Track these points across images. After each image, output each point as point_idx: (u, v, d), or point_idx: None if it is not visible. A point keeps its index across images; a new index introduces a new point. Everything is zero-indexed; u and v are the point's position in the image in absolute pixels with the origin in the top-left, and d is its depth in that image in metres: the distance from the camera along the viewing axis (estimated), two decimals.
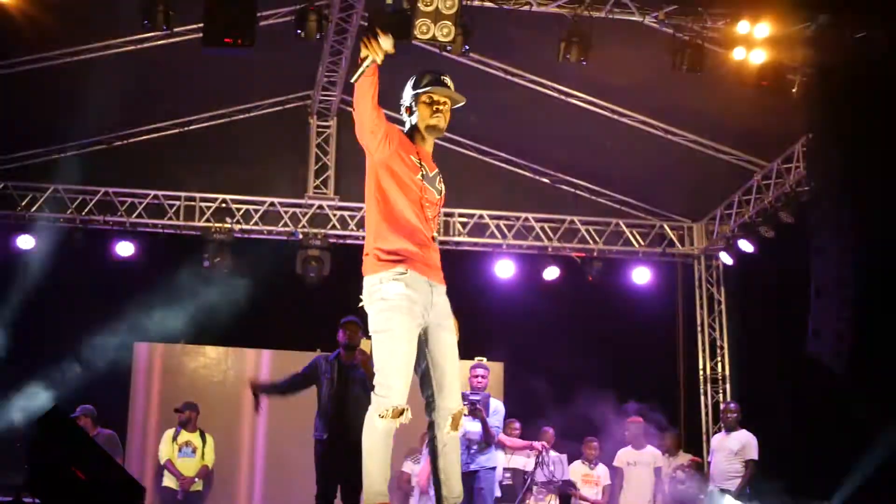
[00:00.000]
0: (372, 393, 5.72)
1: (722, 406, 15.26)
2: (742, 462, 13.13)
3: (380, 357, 5.70)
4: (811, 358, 10.53)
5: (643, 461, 14.36)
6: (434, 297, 5.80)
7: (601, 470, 14.24)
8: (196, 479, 14.17)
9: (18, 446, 14.02)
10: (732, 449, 13.22)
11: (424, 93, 5.92)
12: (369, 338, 9.97)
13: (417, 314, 5.70)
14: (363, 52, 5.55)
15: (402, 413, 5.62)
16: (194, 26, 12.76)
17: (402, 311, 5.66)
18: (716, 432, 15.27)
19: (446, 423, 5.80)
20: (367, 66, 5.54)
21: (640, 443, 14.43)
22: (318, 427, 10.46)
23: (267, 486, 16.45)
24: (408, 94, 5.99)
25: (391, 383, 5.64)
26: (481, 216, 16.54)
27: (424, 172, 5.88)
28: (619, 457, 14.38)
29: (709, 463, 13.91)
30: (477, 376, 11.40)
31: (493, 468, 11.49)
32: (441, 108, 5.92)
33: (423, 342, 5.79)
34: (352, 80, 5.64)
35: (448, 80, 5.98)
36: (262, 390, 10.41)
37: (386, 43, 5.51)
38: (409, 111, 6.00)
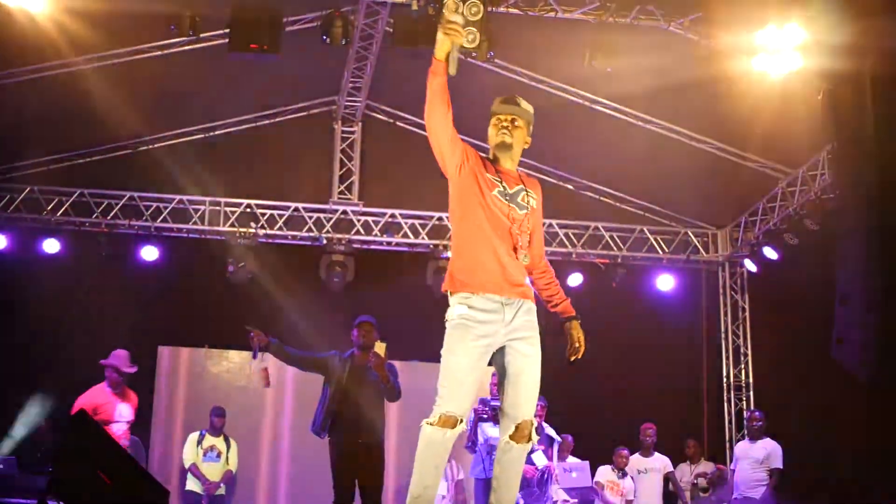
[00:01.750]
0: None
1: (746, 414, 15.24)
2: (767, 470, 13.11)
3: (441, 371, 5.85)
4: (836, 365, 10.47)
5: (653, 468, 14.36)
6: (509, 314, 5.90)
7: (628, 483, 14.20)
8: (220, 484, 14.21)
9: (41, 452, 14.13)
10: (757, 457, 13.19)
11: (492, 114, 6.17)
12: (384, 340, 10.04)
13: (482, 335, 5.83)
14: (442, 42, 5.82)
15: (451, 423, 5.73)
16: (220, 32, 12.82)
17: (461, 329, 5.83)
18: (739, 440, 15.22)
19: (509, 430, 5.89)
20: (453, 52, 5.82)
21: (648, 450, 14.44)
22: (317, 422, 10.32)
23: (289, 492, 16.47)
24: (490, 119, 6.22)
25: (442, 392, 5.80)
26: None
27: (504, 188, 6.00)
28: (628, 465, 14.37)
29: (732, 471, 13.87)
30: (496, 384, 11.43)
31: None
32: (507, 125, 6.12)
33: (500, 358, 5.93)
34: (451, 73, 5.85)
35: (517, 98, 6.21)
36: (264, 343, 10.20)
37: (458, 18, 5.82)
38: (489, 138, 6.21)
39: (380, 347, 10.08)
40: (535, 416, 11.74)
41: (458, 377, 5.79)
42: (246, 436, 15.66)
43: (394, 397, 10.27)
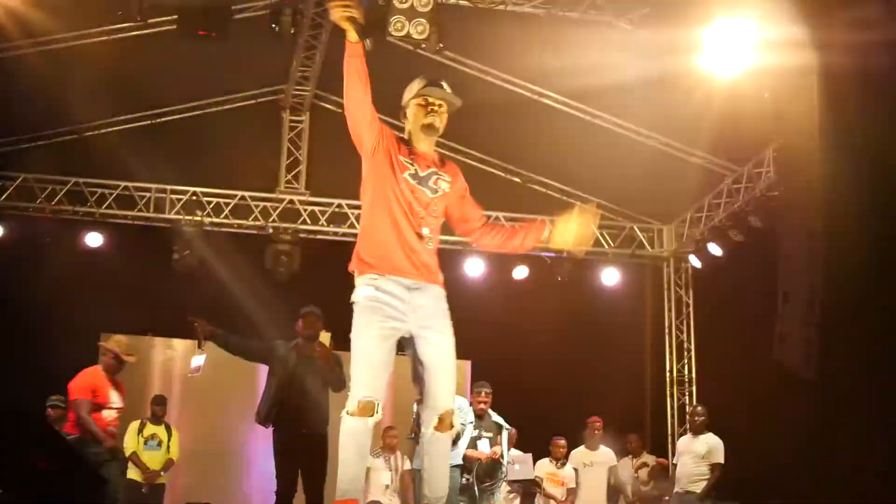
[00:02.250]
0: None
1: (689, 409, 15.35)
2: (708, 465, 13.17)
3: (352, 356, 5.76)
4: (778, 362, 10.56)
5: (598, 461, 14.41)
6: (417, 298, 5.83)
7: (568, 471, 14.23)
8: (161, 472, 14.12)
9: None
10: (699, 452, 13.25)
11: (419, 94, 6.01)
12: (329, 330, 10.00)
13: (390, 316, 5.75)
14: (342, 22, 5.79)
15: (369, 408, 5.65)
16: (168, 18, 12.73)
17: (368, 312, 5.75)
18: (681, 435, 15.31)
19: (432, 422, 5.83)
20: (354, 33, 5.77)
21: (595, 443, 14.48)
22: (261, 412, 10.28)
23: (237, 479, 16.43)
24: (405, 99, 6.10)
25: (355, 379, 5.71)
26: None
27: (415, 171, 5.93)
28: (573, 457, 14.41)
29: (674, 465, 13.95)
30: None
31: (458, 465, 11.50)
32: (436, 108, 6.01)
33: (413, 345, 5.85)
34: (368, 48, 5.85)
35: (444, 84, 6.07)
36: (209, 333, 10.14)
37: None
38: (405, 116, 6.09)
39: (325, 338, 10.07)
40: (481, 403, 11.82)
41: (369, 360, 5.71)
42: (189, 424, 15.59)
43: (339, 387, 10.24)
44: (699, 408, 14.03)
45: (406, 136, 6.09)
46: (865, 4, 9.49)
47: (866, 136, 9.63)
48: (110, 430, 10.87)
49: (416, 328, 5.82)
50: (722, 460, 13.19)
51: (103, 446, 10.53)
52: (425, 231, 5.92)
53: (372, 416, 5.67)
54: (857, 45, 9.55)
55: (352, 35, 5.76)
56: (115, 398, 11.03)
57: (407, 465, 13.97)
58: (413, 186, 5.90)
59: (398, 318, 5.77)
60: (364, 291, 5.80)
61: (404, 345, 5.86)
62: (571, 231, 6.24)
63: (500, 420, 12.09)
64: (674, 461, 14.12)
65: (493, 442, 11.85)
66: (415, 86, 6.07)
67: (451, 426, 5.88)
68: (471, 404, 12.04)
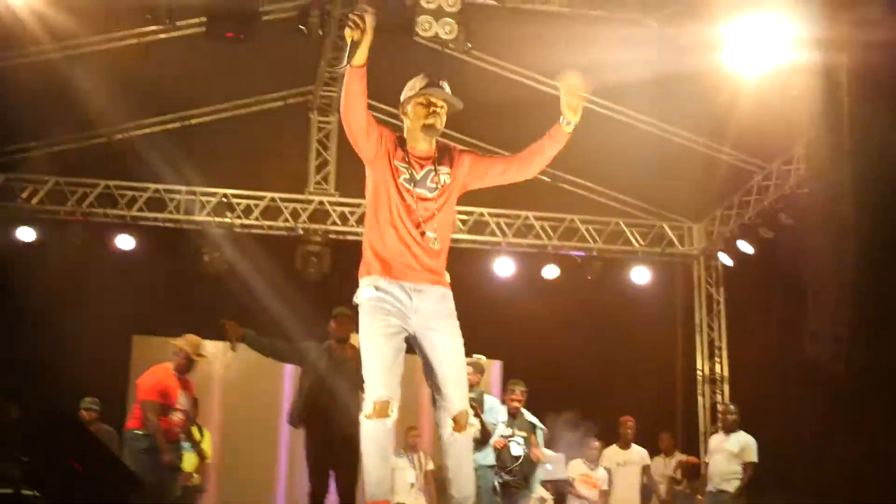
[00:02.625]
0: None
1: (720, 407, 15.29)
2: (741, 463, 13.13)
3: (363, 359, 5.81)
4: (809, 359, 10.54)
5: (631, 460, 14.39)
6: (417, 300, 5.83)
7: (601, 473, 14.22)
8: (194, 474, 14.15)
9: (11, 440, 14.07)
10: (732, 450, 13.21)
11: (421, 94, 5.96)
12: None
13: (393, 316, 5.77)
14: (349, 35, 5.61)
15: (385, 408, 5.68)
16: (197, 20, 12.78)
17: (371, 312, 5.79)
18: (713, 433, 15.27)
19: (447, 424, 5.82)
20: (358, 47, 5.61)
21: (627, 443, 14.46)
22: (293, 414, 10.33)
23: (263, 481, 16.47)
24: (405, 96, 6.03)
25: (368, 381, 5.75)
26: (481, 214, 16.57)
27: (411, 175, 5.91)
28: (605, 456, 14.40)
29: (706, 464, 13.91)
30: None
31: (491, 466, 11.50)
32: (437, 109, 5.96)
33: (420, 347, 5.86)
34: (343, 65, 5.70)
35: (445, 84, 6.01)
36: (240, 335, 10.17)
37: (371, 19, 5.61)
38: (406, 113, 6.03)
39: (356, 339, 10.07)
40: (515, 401, 11.78)
41: (379, 360, 5.73)
42: (220, 425, 15.64)
43: None
44: (731, 406, 14.00)
45: (404, 135, 6.05)
46: (891, 3, 9.47)
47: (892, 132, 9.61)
48: (174, 432, 10.94)
49: (419, 330, 5.83)
50: (755, 458, 13.14)
51: (163, 459, 10.63)
52: (428, 233, 5.89)
53: (389, 416, 5.69)
54: (883, 43, 9.53)
55: (358, 58, 5.65)
56: (182, 400, 11.10)
57: (430, 465, 14.00)
58: (409, 190, 5.89)
59: (401, 319, 5.78)
60: (365, 293, 5.84)
61: (412, 347, 5.88)
62: (573, 103, 6.28)
63: (534, 419, 12.07)
64: (705, 460, 14.08)
65: (527, 441, 11.83)
66: (416, 84, 6.01)
67: (469, 426, 5.86)
68: (504, 402, 12.04)
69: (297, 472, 15.44)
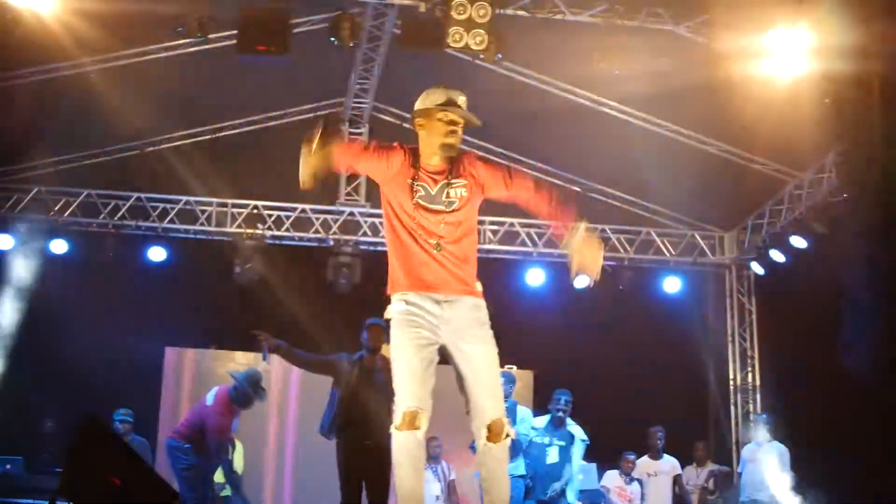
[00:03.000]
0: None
1: (753, 417, 15.21)
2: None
3: (393, 373, 5.85)
4: (844, 369, 10.49)
5: (662, 470, 14.34)
6: (448, 311, 5.84)
7: (635, 487, 14.18)
8: (225, 486, 14.16)
9: (47, 452, 14.15)
10: (765, 460, 13.18)
11: (441, 110, 5.91)
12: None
13: (423, 329, 5.80)
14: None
15: (416, 419, 5.70)
16: (228, 34, 12.82)
17: (401, 325, 5.83)
18: (745, 443, 15.21)
19: (482, 434, 5.79)
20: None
21: (658, 453, 14.42)
22: (325, 424, 10.34)
23: (295, 493, 16.49)
24: (420, 106, 5.99)
25: (398, 392, 5.79)
26: (512, 224, 16.56)
27: (426, 191, 5.90)
28: (637, 467, 14.36)
29: (739, 474, 13.86)
30: None
31: (521, 476, 11.50)
32: (456, 128, 5.92)
33: (452, 357, 5.87)
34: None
35: (463, 98, 5.96)
36: (273, 347, 10.21)
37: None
38: (420, 125, 6.00)
39: (388, 350, 10.10)
40: (560, 411, 11.77)
41: (408, 371, 5.76)
42: (252, 438, 15.67)
43: None
44: (765, 416, 13.96)
45: (417, 148, 6.01)
46: None
47: None
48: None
49: (451, 341, 5.84)
50: (789, 468, 13.12)
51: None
52: (450, 246, 5.89)
53: (418, 427, 5.70)
54: None
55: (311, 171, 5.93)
56: (235, 422, 11.28)
57: (453, 475, 14.02)
58: (426, 207, 5.87)
59: (431, 330, 5.80)
60: (396, 307, 5.87)
61: (446, 358, 5.89)
62: (588, 254, 6.01)
63: (578, 431, 12.07)
64: (738, 470, 14.03)
65: (565, 452, 11.85)
66: (435, 97, 5.95)
67: (504, 436, 5.82)
68: (549, 411, 12.08)
69: (307, 481, 15.54)
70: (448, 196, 5.91)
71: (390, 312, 5.89)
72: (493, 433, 5.78)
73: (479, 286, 5.98)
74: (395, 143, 5.98)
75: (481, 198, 6.04)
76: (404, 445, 5.74)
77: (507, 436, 5.84)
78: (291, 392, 16.52)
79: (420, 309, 5.81)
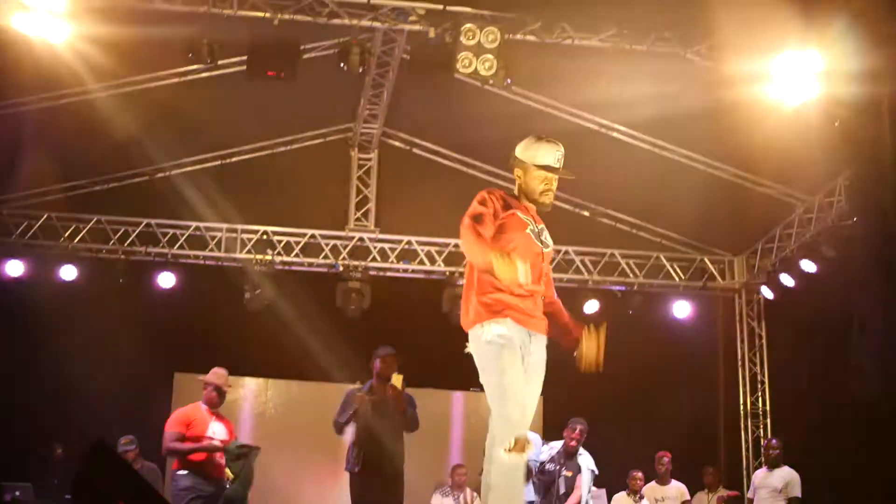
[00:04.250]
0: (490, 425, 5.85)
1: (764, 442, 15.16)
2: (786, 499, 13.06)
3: (492, 394, 5.85)
4: (855, 395, 10.45)
5: (669, 496, 14.29)
6: (533, 345, 5.97)
7: None
8: None
9: (56, 478, 14.12)
10: (776, 486, 13.15)
11: (544, 168, 6.14)
12: (401, 371, 10.08)
13: (519, 353, 5.87)
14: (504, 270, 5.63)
15: (524, 445, 5.74)
16: (238, 59, 12.85)
17: (505, 348, 5.84)
18: (756, 468, 15.16)
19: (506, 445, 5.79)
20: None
21: (666, 478, 14.37)
22: (349, 460, 10.38)
23: None
24: (525, 154, 6.19)
25: (509, 414, 5.77)
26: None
27: (532, 228, 6.09)
28: (644, 493, 14.31)
29: (750, 500, 13.80)
30: None
31: (530, 502, 11.49)
32: (552, 187, 6.20)
33: None
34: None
35: (561, 154, 6.22)
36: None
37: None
38: (519, 175, 6.21)
39: (397, 380, 10.14)
40: (573, 440, 11.80)
41: (516, 393, 5.80)
42: (261, 462, 15.64)
43: (412, 428, 10.33)
44: (774, 441, 13.92)
45: (516, 193, 6.23)
46: None
47: None
48: (216, 465, 10.96)
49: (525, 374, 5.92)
50: (799, 494, 13.08)
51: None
52: (540, 283, 6.09)
53: (524, 450, 5.75)
54: None
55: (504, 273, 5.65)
56: (217, 430, 11.10)
57: (477, 502, 13.98)
58: (533, 241, 6.06)
59: (523, 359, 5.90)
60: (496, 329, 5.87)
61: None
62: (591, 352, 6.23)
63: (587, 461, 12.10)
64: (749, 496, 13.98)
65: (572, 482, 11.87)
66: (539, 153, 6.17)
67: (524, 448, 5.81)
68: (563, 438, 12.11)
69: None
70: (545, 238, 6.25)
71: (490, 335, 5.90)
72: (518, 445, 5.77)
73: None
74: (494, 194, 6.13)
75: None
76: (512, 466, 5.75)
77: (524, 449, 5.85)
78: (301, 420, 16.49)
79: (516, 336, 5.94)
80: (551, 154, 6.17)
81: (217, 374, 11.33)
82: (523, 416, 5.81)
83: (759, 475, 13.75)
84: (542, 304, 6.11)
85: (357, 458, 10.22)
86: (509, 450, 5.69)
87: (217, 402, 11.21)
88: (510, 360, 5.81)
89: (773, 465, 13.42)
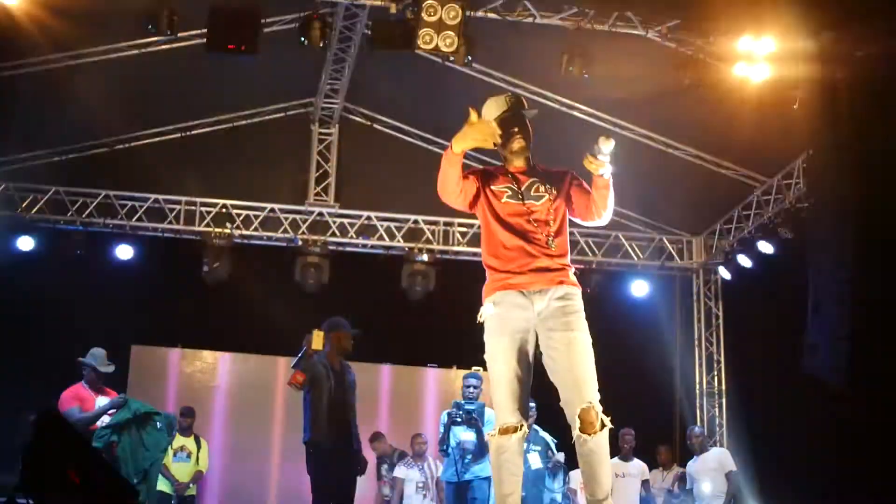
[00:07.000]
0: None
1: (687, 432, 15.12)
2: (724, 475, 13.27)
3: (491, 381, 5.92)
4: (809, 373, 10.53)
5: (631, 473, 14.36)
6: (538, 303, 5.92)
7: None
8: (190, 484, 14.14)
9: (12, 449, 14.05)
10: (712, 467, 13.37)
11: (498, 119, 6.16)
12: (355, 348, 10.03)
13: (512, 330, 5.88)
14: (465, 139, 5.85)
15: (510, 430, 5.80)
16: (198, 32, 12.79)
17: (493, 333, 5.92)
18: (710, 446, 15.26)
19: (575, 426, 5.80)
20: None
21: (628, 455, 14.44)
22: (309, 430, 10.25)
23: (261, 494, 16.46)
24: (489, 117, 6.18)
25: (497, 403, 5.88)
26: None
27: (514, 190, 6.12)
28: None
29: (689, 490, 13.90)
30: (469, 387, 11.60)
31: (488, 478, 11.49)
32: (516, 131, 6.24)
33: (543, 348, 5.93)
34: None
35: (514, 101, 6.30)
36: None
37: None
38: (489, 136, 6.11)
39: (318, 336, 10.03)
40: (471, 395, 11.83)
41: (506, 383, 5.83)
42: (218, 435, 15.65)
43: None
44: (695, 429, 14.27)
45: (501, 160, 6.33)
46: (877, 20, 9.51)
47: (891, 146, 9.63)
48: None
49: (540, 332, 5.93)
50: (735, 467, 13.32)
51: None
52: (542, 236, 6.04)
53: (515, 432, 5.81)
54: (883, 57, 9.55)
55: (459, 147, 5.87)
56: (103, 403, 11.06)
57: (440, 472, 14.00)
58: (515, 203, 6.08)
59: (523, 327, 5.90)
60: (486, 310, 5.97)
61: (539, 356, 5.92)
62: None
63: (547, 437, 12.19)
64: (688, 486, 14.06)
65: (544, 454, 11.97)
66: (490, 107, 6.25)
67: (598, 426, 5.82)
68: None
69: (292, 480, 15.46)
70: (537, 190, 6.25)
71: (483, 316, 6.03)
72: (583, 424, 5.79)
73: (570, 276, 6.17)
74: (474, 172, 6.25)
75: (566, 206, 6.42)
76: (501, 446, 5.86)
77: (603, 426, 5.85)
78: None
79: (512, 307, 5.97)
80: (497, 103, 6.25)
81: (93, 355, 11.30)
82: (515, 402, 5.82)
83: (692, 465, 13.90)
84: (554, 253, 6.05)
85: (321, 430, 10.11)
86: (494, 435, 5.82)
87: (95, 381, 11.18)
88: (496, 342, 5.87)
89: (700, 451, 13.69)
